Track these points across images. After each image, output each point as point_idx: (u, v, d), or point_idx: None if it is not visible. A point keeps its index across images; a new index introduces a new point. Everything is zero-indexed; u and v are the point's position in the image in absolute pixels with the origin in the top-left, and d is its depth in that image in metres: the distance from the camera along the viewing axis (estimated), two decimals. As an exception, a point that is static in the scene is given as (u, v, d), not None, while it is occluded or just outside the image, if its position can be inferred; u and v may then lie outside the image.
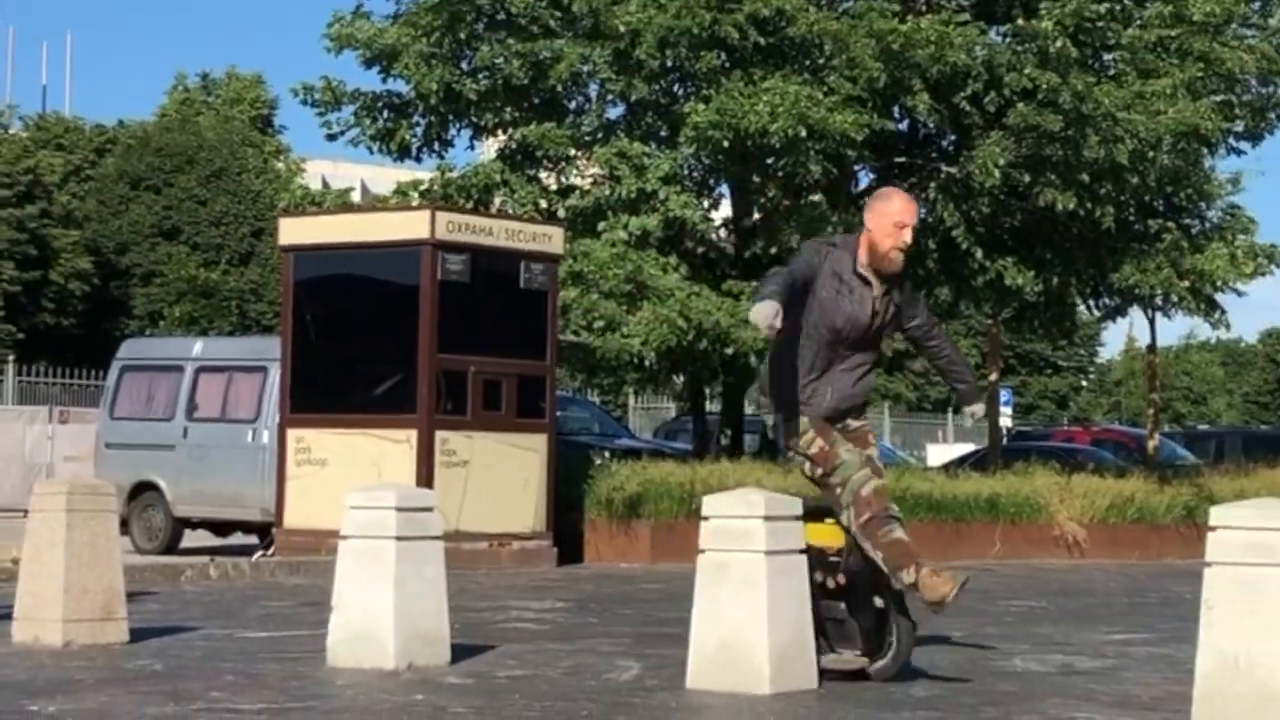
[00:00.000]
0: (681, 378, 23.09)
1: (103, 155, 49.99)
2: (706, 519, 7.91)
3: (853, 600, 8.02)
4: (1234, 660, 6.59)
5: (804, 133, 19.46)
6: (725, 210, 23.38)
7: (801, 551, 7.86)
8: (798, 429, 8.06)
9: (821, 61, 20.67)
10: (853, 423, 8.24)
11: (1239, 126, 22.62)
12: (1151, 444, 26.27)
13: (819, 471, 8.04)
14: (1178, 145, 21.04)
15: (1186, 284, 22.22)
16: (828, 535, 8.04)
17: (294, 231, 17.74)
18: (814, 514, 8.02)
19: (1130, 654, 9.86)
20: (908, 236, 8.04)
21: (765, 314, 7.46)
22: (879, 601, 7.98)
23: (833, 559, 8.01)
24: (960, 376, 8.61)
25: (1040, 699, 7.70)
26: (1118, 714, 7.21)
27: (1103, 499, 21.36)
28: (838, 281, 8.00)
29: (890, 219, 8.01)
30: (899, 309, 8.20)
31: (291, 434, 16.94)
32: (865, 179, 23.58)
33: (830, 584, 7.97)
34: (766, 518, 7.74)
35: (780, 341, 8.04)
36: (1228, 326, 24.28)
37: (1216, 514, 6.80)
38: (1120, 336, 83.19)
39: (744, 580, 7.71)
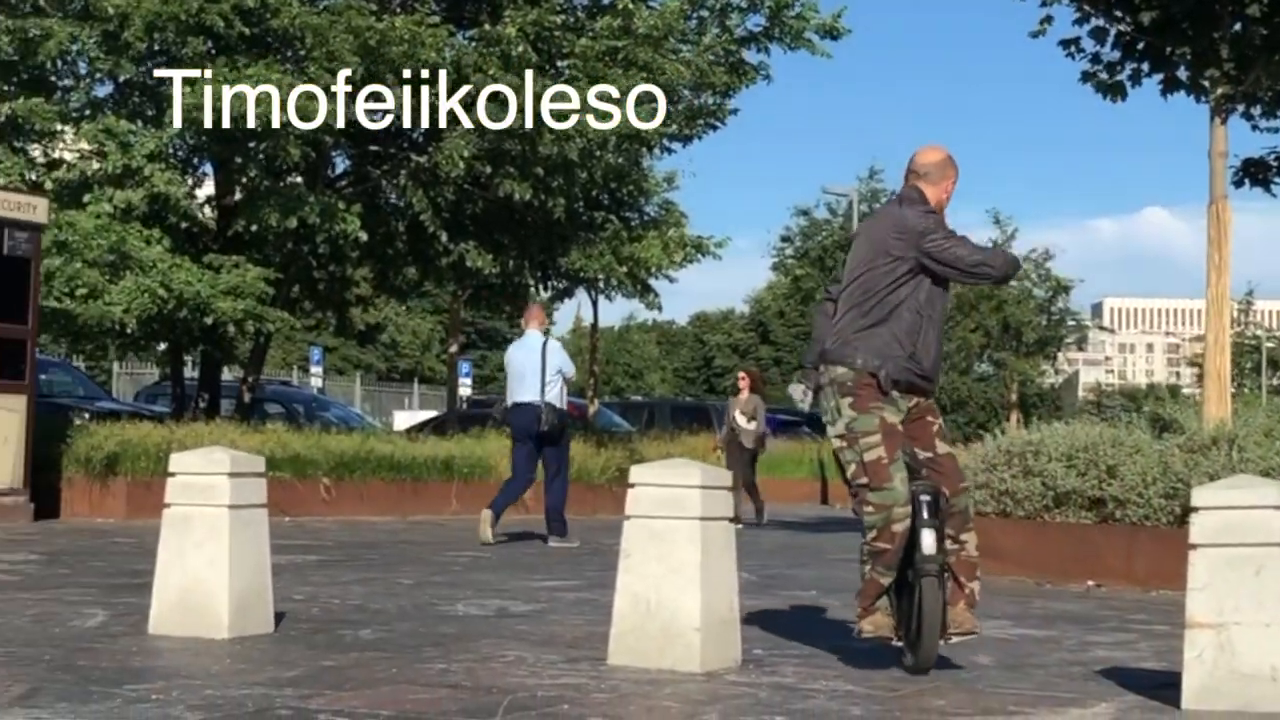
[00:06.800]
0: (162, 344, 22.46)
1: None
2: (174, 475, 7.72)
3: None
4: (645, 602, 6.83)
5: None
6: (209, 188, 22.86)
7: (262, 505, 7.76)
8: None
9: (303, 53, 20.41)
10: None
11: (673, 130, 23.39)
12: (591, 412, 26.95)
13: (855, 476, 7.04)
14: (621, 146, 21.64)
15: (625, 269, 22.93)
16: None
17: None
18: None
19: (559, 599, 10.09)
20: None
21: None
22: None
23: None
24: None
25: (477, 639, 7.80)
26: (543, 651, 7.35)
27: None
28: None
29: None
30: None
31: None
32: (341, 164, 23.47)
33: None
34: (231, 474, 7.61)
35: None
36: (660, 308, 25.16)
37: (636, 472, 7.03)
38: (569, 316, 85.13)
39: (207, 532, 7.56)
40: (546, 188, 21.37)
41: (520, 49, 20.48)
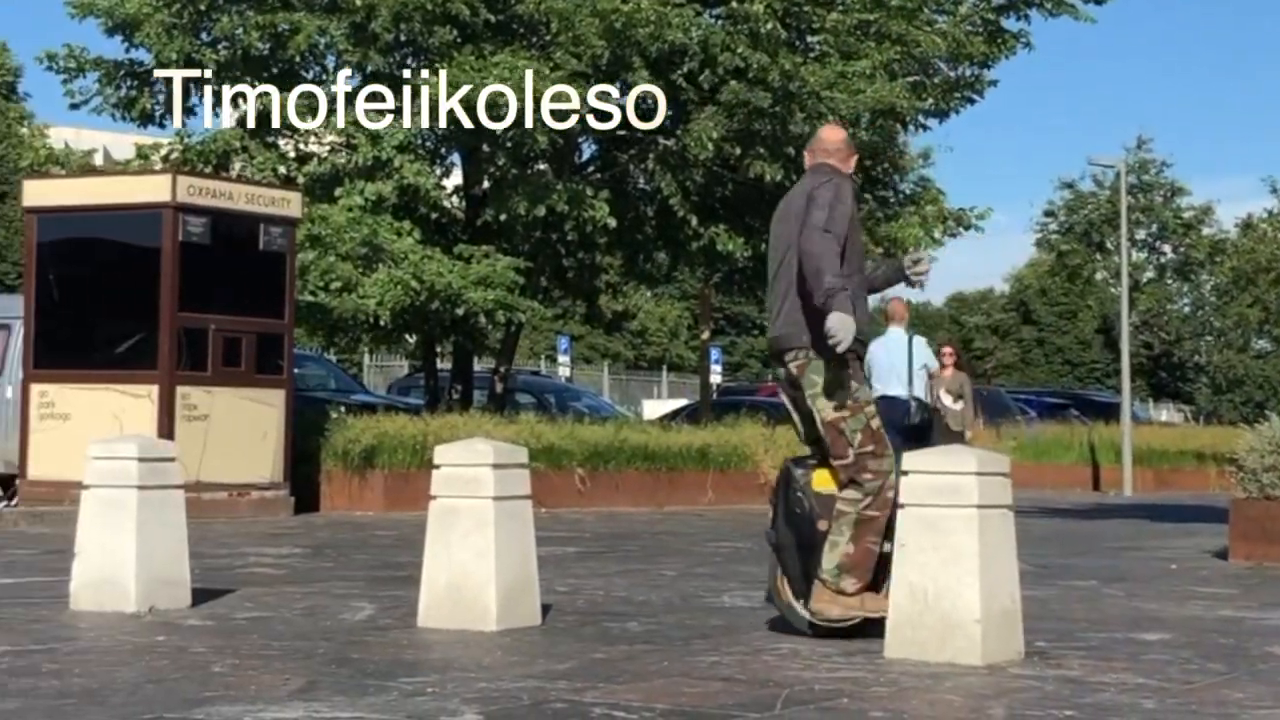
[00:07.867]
0: (414, 336, 22.95)
1: None
2: (438, 467, 7.88)
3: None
4: (923, 593, 6.78)
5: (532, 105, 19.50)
6: (457, 178, 23.28)
7: (526, 496, 7.89)
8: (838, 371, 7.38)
9: (548, 38, 20.67)
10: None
11: (929, 104, 23.15)
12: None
13: (863, 444, 7.36)
14: (875, 122, 21.53)
15: (881, 250, 22.77)
16: (832, 481, 7.53)
17: (38, 194, 17.17)
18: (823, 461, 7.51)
19: (829, 589, 10.04)
20: None
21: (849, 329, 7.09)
22: (885, 546, 7.25)
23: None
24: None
25: (746, 631, 7.83)
26: (817, 644, 7.34)
27: (804, 449, 21.71)
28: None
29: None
30: None
31: (35, 389, 16.45)
32: (588, 150, 23.71)
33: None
34: (495, 465, 7.74)
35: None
36: (922, 287, 24.88)
37: (909, 460, 6.98)
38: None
39: (473, 524, 7.70)
40: (798, 168, 21.28)
41: (769, 26, 20.47)
